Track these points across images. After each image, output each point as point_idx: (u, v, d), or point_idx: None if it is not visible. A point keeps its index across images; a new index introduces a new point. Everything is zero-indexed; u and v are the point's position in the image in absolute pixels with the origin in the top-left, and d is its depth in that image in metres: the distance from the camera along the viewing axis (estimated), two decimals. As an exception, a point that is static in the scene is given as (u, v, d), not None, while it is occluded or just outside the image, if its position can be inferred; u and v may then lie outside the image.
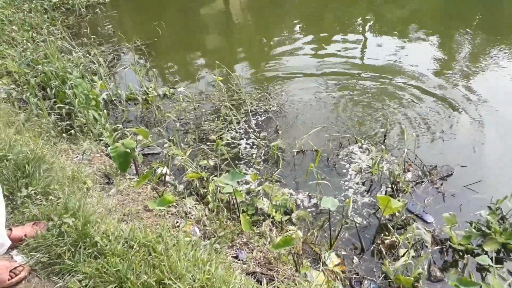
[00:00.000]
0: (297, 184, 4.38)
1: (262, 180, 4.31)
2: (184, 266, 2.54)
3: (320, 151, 4.59)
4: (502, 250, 3.52)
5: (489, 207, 3.92)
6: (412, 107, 5.71)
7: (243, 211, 3.75)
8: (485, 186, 4.21)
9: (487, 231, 3.52)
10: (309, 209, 3.99)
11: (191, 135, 5.33)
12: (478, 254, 3.47)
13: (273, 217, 3.70)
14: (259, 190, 4.12)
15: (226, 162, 4.65)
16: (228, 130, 5.36)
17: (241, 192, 3.86)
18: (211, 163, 4.67)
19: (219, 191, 3.83)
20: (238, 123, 5.45)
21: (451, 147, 4.81)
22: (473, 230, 3.53)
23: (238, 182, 4.14)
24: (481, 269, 3.37)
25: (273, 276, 2.94)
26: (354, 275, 3.27)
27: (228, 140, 5.05)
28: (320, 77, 6.73)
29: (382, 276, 3.28)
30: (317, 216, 3.96)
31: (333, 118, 5.63)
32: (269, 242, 3.30)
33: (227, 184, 3.19)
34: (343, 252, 3.51)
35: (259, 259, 3.07)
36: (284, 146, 4.93)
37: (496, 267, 3.06)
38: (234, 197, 3.48)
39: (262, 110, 5.85)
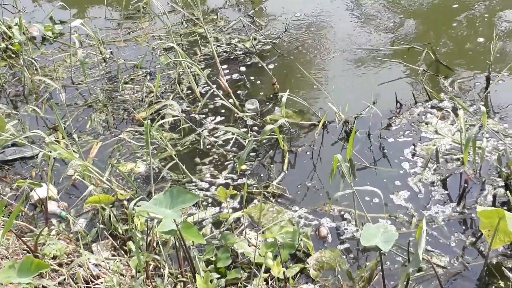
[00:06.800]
0: (314, 195, 2.90)
1: (247, 194, 2.85)
2: None
3: (355, 122, 3.10)
4: None
5: None
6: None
7: (209, 263, 2.49)
8: None
9: None
10: (341, 246, 2.62)
11: (99, 114, 3.70)
12: None
13: (268, 270, 2.45)
14: (239, 218, 2.78)
15: (171, 164, 3.05)
16: (174, 97, 3.70)
17: (202, 226, 2.74)
18: (141, 168, 3.21)
19: (155, 226, 2.48)
20: (196, 82, 3.75)
21: None
22: None
23: (196, 205, 2.83)
24: None
25: None
26: None
27: (176, 117, 3.33)
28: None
29: None
30: (359, 256, 2.57)
31: (380, 43, 4.01)
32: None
33: (160, 217, 2.19)
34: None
35: None
36: (290, 121, 3.36)
37: None
38: (180, 240, 2.30)
39: (240, 51, 4.14)
